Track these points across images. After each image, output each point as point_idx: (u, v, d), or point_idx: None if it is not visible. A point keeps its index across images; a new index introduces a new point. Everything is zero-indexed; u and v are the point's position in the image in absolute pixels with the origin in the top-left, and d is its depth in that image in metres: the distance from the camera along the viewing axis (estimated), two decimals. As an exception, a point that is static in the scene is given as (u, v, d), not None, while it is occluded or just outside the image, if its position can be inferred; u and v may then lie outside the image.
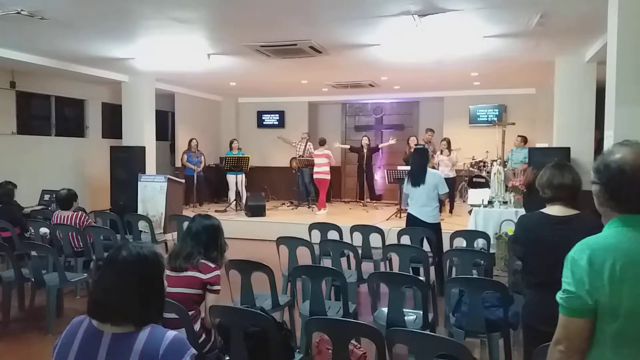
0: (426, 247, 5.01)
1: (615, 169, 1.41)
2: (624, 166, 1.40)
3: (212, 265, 2.86)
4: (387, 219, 8.65)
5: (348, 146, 11.19)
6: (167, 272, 2.76)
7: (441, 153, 9.52)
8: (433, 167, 7.59)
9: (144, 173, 8.87)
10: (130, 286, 1.52)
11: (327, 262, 4.62)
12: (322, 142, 10.20)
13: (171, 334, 1.53)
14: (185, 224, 3.49)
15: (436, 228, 5.26)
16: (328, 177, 9.92)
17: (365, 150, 10.54)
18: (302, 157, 10.65)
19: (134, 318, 1.51)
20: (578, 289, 1.40)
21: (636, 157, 1.40)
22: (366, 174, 10.71)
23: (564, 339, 1.44)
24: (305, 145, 10.85)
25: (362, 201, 10.94)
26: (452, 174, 9.20)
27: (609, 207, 1.46)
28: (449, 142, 9.68)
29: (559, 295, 1.45)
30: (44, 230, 5.68)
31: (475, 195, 6.90)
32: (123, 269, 1.54)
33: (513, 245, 3.12)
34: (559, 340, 1.46)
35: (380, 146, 10.85)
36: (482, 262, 4.19)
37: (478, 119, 11.13)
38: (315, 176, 9.91)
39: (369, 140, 10.74)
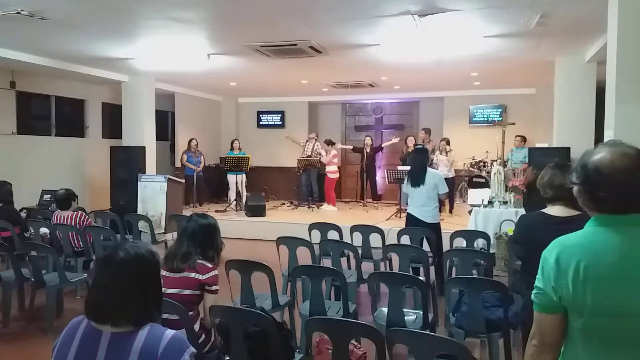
0: (426, 247, 5.01)
1: (592, 169, 1.41)
2: (600, 166, 1.40)
3: (210, 266, 2.84)
4: (387, 219, 8.65)
5: (351, 147, 11.19)
6: (164, 272, 2.77)
7: (440, 153, 9.53)
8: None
9: (144, 173, 8.86)
10: (130, 286, 1.51)
11: (327, 262, 4.62)
12: (333, 143, 10.68)
13: (170, 332, 1.53)
14: (185, 224, 3.47)
15: (436, 228, 5.25)
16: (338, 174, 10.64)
17: (368, 150, 10.56)
18: (310, 157, 10.67)
19: (133, 318, 1.50)
20: (545, 285, 1.44)
21: (614, 157, 1.39)
22: (368, 174, 10.73)
23: (537, 334, 1.48)
24: (313, 146, 10.86)
25: (362, 201, 10.95)
26: (450, 174, 9.20)
27: (587, 207, 1.47)
28: (448, 142, 9.70)
29: (532, 292, 1.49)
30: (44, 230, 5.68)
31: (475, 195, 6.90)
32: (121, 270, 1.53)
33: (513, 245, 3.12)
34: (533, 335, 1.50)
35: (383, 145, 10.86)
36: (482, 262, 4.19)
37: (478, 119, 11.14)
38: (334, 175, 10.36)
39: (372, 140, 10.76)
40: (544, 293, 1.44)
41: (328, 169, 10.36)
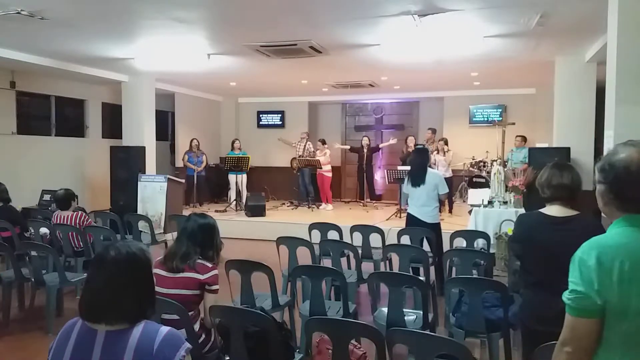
0: (426, 247, 5.01)
1: (621, 168, 1.40)
2: (630, 165, 1.39)
3: (210, 265, 2.84)
4: (387, 219, 8.65)
5: (348, 147, 11.24)
6: (164, 273, 2.77)
7: (438, 153, 9.53)
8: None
9: (144, 173, 8.87)
10: (123, 285, 1.52)
11: (327, 262, 4.62)
12: (325, 142, 10.81)
13: (165, 329, 1.53)
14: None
15: (436, 228, 5.25)
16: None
17: (365, 150, 10.57)
18: (302, 157, 10.68)
19: (128, 315, 1.51)
20: (587, 288, 1.37)
21: None
22: (366, 174, 10.74)
23: (571, 340, 1.41)
24: (305, 145, 10.86)
25: (362, 201, 10.95)
26: (448, 174, 9.21)
27: (614, 206, 1.45)
28: (446, 142, 9.71)
29: (566, 296, 1.42)
30: (44, 230, 5.67)
31: (475, 195, 6.90)
32: (114, 269, 1.53)
33: (512, 244, 3.12)
34: (565, 342, 1.42)
35: (380, 146, 10.89)
36: (482, 262, 4.19)
37: (478, 119, 11.14)
38: (328, 174, 10.48)
39: (369, 140, 10.78)
40: (585, 296, 1.37)
41: (322, 167, 10.45)
